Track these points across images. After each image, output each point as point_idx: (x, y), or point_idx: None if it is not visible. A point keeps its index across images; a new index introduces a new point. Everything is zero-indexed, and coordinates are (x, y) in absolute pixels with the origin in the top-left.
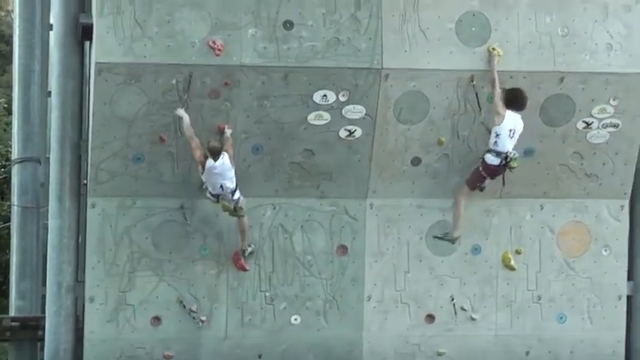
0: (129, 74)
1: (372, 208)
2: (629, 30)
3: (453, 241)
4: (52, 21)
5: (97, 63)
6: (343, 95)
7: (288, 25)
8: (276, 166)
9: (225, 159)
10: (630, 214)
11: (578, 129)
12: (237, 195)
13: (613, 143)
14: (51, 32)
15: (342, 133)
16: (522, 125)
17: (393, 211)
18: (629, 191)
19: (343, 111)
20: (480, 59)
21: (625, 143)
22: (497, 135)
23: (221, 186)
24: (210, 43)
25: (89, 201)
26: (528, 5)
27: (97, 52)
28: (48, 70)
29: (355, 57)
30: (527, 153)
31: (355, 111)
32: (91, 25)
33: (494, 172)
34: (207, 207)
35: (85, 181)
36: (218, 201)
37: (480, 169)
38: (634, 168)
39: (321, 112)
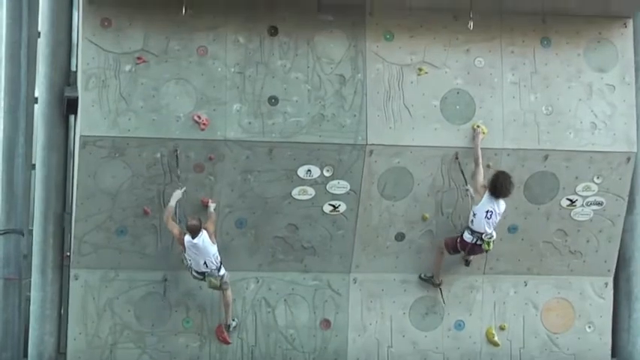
0: (113, 148)
1: (355, 282)
2: (613, 109)
3: (436, 285)
4: (37, 94)
5: (81, 136)
6: (327, 170)
7: (273, 100)
8: (259, 240)
9: (204, 236)
10: (614, 291)
11: (562, 206)
12: (222, 271)
13: (597, 221)
14: (36, 105)
15: (326, 208)
16: (504, 207)
17: (376, 286)
18: (613, 268)
19: (327, 186)
20: (464, 136)
21: (609, 221)
22: (474, 215)
23: (205, 263)
24: (195, 117)
25: (72, 273)
26: (512, 83)
27: (81, 126)
28: (32, 143)
29: (340, 133)
30: (512, 230)
31: (339, 186)
32: (76, 98)
33: (469, 248)
34: (191, 280)
35: (68, 253)
36: (204, 279)
37: (457, 240)
38: (618, 245)
39: (305, 187)
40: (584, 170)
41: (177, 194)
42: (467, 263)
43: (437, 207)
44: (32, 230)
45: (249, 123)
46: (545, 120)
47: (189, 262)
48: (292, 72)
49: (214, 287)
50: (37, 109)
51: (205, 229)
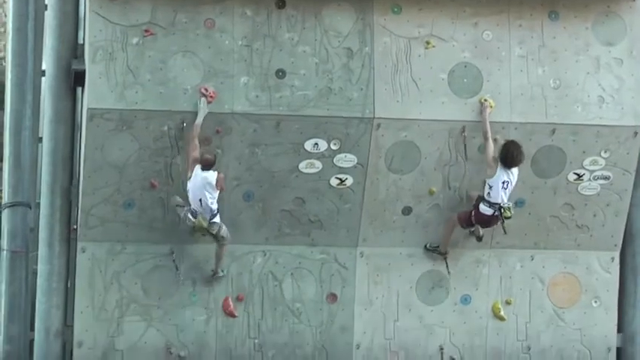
0: (120, 120)
1: (362, 256)
2: (621, 83)
3: (442, 254)
4: (44, 67)
5: (88, 109)
6: (335, 144)
7: (281, 73)
8: (266, 214)
9: (213, 174)
10: (620, 266)
11: (569, 180)
12: (217, 219)
13: (604, 195)
14: (43, 78)
15: (333, 182)
16: (517, 175)
17: (383, 260)
18: (620, 243)
19: (335, 159)
20: (471, 110)
21: (616, 195)
22: (490, 187)
23: (200, 200)
24: (203, 90)
25: (79, 246)
26: (520, 57)
27: (89, 98)
28: (39, 116)
29: (347, 106)
30: (518, 204)
31: (346, 160)
32: (84, 71)
33: (486, 221)
34: (198, 253)
35: (75, 226)
36: (195, 218)
37: (472, 214)
38: (625, 220)
39: (312, 161)
40: (592, 144)
41: (204, 109)
42: (479, 239)
43: (444, 181)
44: (39, 203)
45: (257, 96)
46: (553, 94)
47: (183, 208)
48: (300, 45)
49: (201, 230)
50: (44, 81)
51: (219, 178)
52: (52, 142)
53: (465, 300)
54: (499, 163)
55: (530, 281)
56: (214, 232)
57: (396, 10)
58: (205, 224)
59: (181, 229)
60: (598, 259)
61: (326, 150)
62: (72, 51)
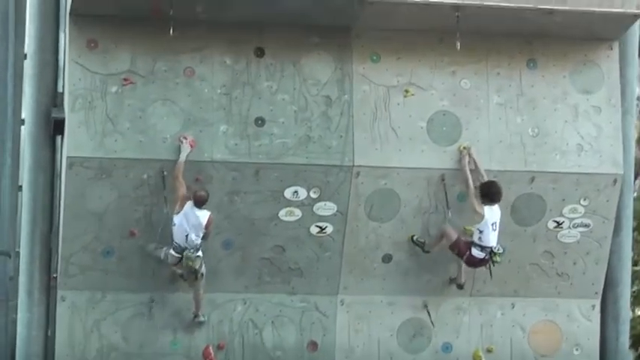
0: (100, 169)
1: (342, 304)
2: (599, 131)
3: (425, 251)
4: (23, 115)
5: (68, 157)
6: (314, 192)
7: (260, 122)
8: (246, 262)
9: (205, 214)
10: (602, 314)
11: (549, 228)
12: (200, 253)
13: (584, 243)
14: (22, 126)
15: (313, 230)
16: (499, 212)
17: (363, 308)
18: (601, 291)
19: (314, 207)
20: (450, 158)
21: (596, 243)
22: (481, 232)
23: (186, 236)
24: (182, 139)
25: (59, 294)
26: (499, 105)
27: (68, 147)
28: (19, 164)
29: (326, 154)
30: None
31: (326, 208)
32: (63, 119)
33: (476, 263)
34: (178, 301)
35: (55, 275)
36: (181, 258)
37: (465, 256)
38: (605, 267)
39: (292, 209)
40: (571, 192)
41: (186, 148)
42: (460, 287)
43: (424, 228)
44: (19, 252)
45: (236, 144)
46: (532, 142)
47: (162, 250)
48: (279, 93)
49: (190, 269)
50: (24, 130)
51: (209, 220)
52: (32, 191)
53: (447, 348)
54: (485, 206)
55: (511, 329)
56: (196, 267)
57: (374, 58)
58: (195, 265)
59: (161, 277)
60: (579, 306)
61: (305, 198)
62: (51, 99)
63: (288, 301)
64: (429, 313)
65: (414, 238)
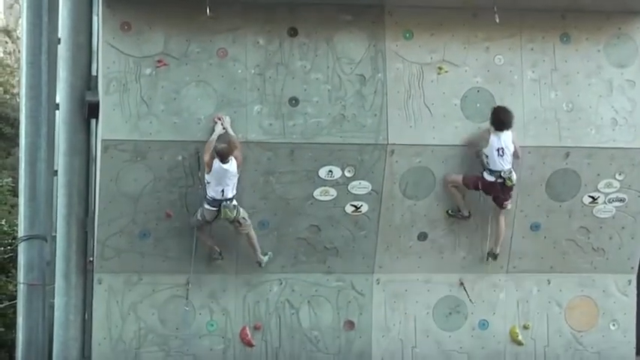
0: (135, 151)
1: (378, 283)
2: (634, 105)
3: (465, 217)
4: (58, 99)
5: (103, 140)
6: (349, 171)
7: (294, 101)
8: (282, 242)
9: (232, 163)
10: (638, 289)
11: (584, 204)
12: (235, 202)
13: (619, 218)
14: (57, 111)
15: (348, 209)
16: (511, 137)
17: (399, 287)
18: (637, 266)
19: (349, 187)
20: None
21: (631, 218)
22: (487, 156)
23: (222, 191)
24: (216, 119)
25: (95, 277)
26: (533, 81)
27: (103, 130)
28: (54, 148)
29: (361, 133)
30: (534, 228)
31: (361, 186)
32: (97, 102)
33: (488, 187)
34: (214, 282)
35: (91, 258)
36: (219, 211)
37: (479, 179)
38: None
39: (327, 188)
40: (606, 167)
41: (219, 129)
42: (494, 257)
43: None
44: (55, 236)
45: (270, 124)
46: (566, 117)
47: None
48: (312, 73)
49: (228, 219)
50: (59, 114)
51: (234, 157)
52: (67, 175)
53: (483, 325)
54: (492, 131)
55: (548, 305)
56: (234, 215)
57: (407, 35)
58: (233, 214)
59: (197, 259)
60: (615, 282)
61: (340, 177)
62: (85, 83)
63: (324, 281)
64: (465, 290)
65: (449, 212)
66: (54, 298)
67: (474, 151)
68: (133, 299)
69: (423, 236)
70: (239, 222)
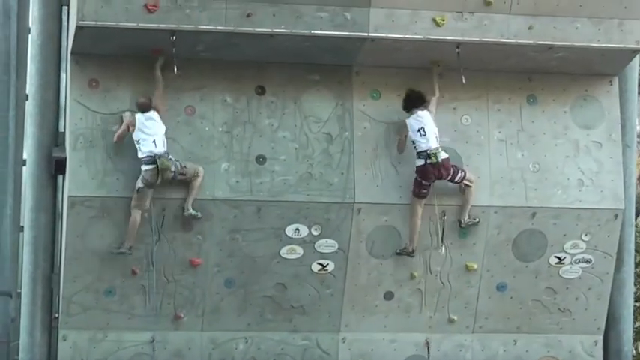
0: (101, 208)
1: (344, 342)
2: (600, 166)
3: (410, 254)
4: (25, 156)
5: (69, 197)
6: (316, 229)
7: (261, 159)
8: (248, 300)
9: (155, 114)
10: (604, 350)
11: (550, 264)
12: (171, 156)
13: (586, 278)
14: (24, 167)
15: (315, 267)
16: (428, 116)
17: (365, 345)
18: (603, 326)
19: (316, 245)
20: (451, 194)
21: (597, 278)
22: (412, 141)
23: (154, 142)
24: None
25: (60, 333)
26: (499, 141)
27: (70, 186)
28: (20, 204)
29: (328, 191)
30: (500, 288)
31: (328, 245)
32: (65, 159)
33: (423, 173)
34: (180, 340)
35: (56, 315)
36: (155, 165)
37: (416, 176)
38: (607, 303)
39: (293, 246)
40: (572, 227)
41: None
42: (466, 225)
43: (425, 265)
44: (20, 292)
45: (237, 182)
46: (533, 177)
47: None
48: (280, 131)
49: (167, 168)
50: (26, 170)
51: (155, 109)
52: (33, 231)
53: None
54: (408, 117)
55: None
56: (173, 169)
57: (375, 95)
58: (171, 165)
59: (163, 316)
60: (581, 342)
61: (307, 235)
62: (53, 139)
63: (290, 339)
64: (428, 348)
65: (397, 251)
66: (18, 355)
67: (403, 145)
68: (97, 356)
69: (389, 295)
70: (182, 173)
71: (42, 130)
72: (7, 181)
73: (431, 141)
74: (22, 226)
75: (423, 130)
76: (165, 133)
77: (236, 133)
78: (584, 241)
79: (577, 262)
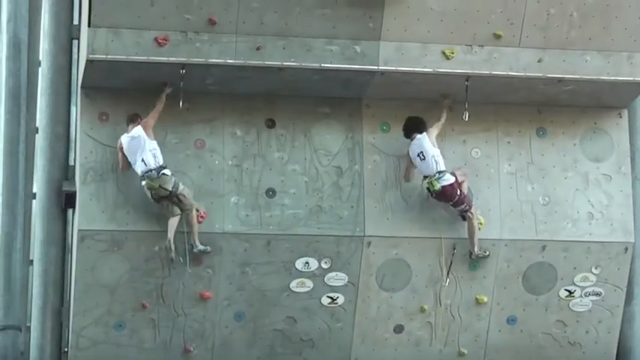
0: (111, 241)
1: None
2: (610, 199)
3: (485, 256)
4: (35, 189)
5: (79, 230)
6: (325, 262)
7: (271, 192)
8: (258, 334)
9: (139, 129)
10: None
11: (560, 297)
12: (167, 171)
13: (596, 311)
14: (34, 200)
15: (325, 301)
16: (427, 140)
17: None
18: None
19: (325, 278)
20: (462, 227)
21: (607, 312)
22: (415, 168)
23: (143, 160)
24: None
25: None
26: (509, 174)
27: (79, 220)
28: (30, 238)
29: (338, 225)
30: (510, 321)
31: (337, 278)
32: (74, 192)
33: (436, 194)
34: None
35: (66, 349)
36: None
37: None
38: (617, 336)
39: (303, 280)
40: (582, 260)
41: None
42: (477, 258)
43: (435, 298)
44: (30, 326)
45: (247, 215)
46: (543, 210)
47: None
48: (289, 164)
49: (152, 188)
50: (36, 203)
51: (143, 125)
52: (43, 264)
53: None
54: (409, 147)
55: None
56: (169, 189)
57: (384, 128)
58: (156, 184)
59: (172, 350)
60: None
61: (317, 269)
62: (63, 172)
63: None
64: None
65: (472, 256)
66: None
67: (410, 173)
68: None
69: (399, 329)
70: (178, 198)
71: (52, 164)
72: (16, 214)
73: (430, 165)
74: (32, 260)
75: (422, 155)
76: (175, 167)
77: (246, 167)
78: (594, 274)
79: (587, 295)
